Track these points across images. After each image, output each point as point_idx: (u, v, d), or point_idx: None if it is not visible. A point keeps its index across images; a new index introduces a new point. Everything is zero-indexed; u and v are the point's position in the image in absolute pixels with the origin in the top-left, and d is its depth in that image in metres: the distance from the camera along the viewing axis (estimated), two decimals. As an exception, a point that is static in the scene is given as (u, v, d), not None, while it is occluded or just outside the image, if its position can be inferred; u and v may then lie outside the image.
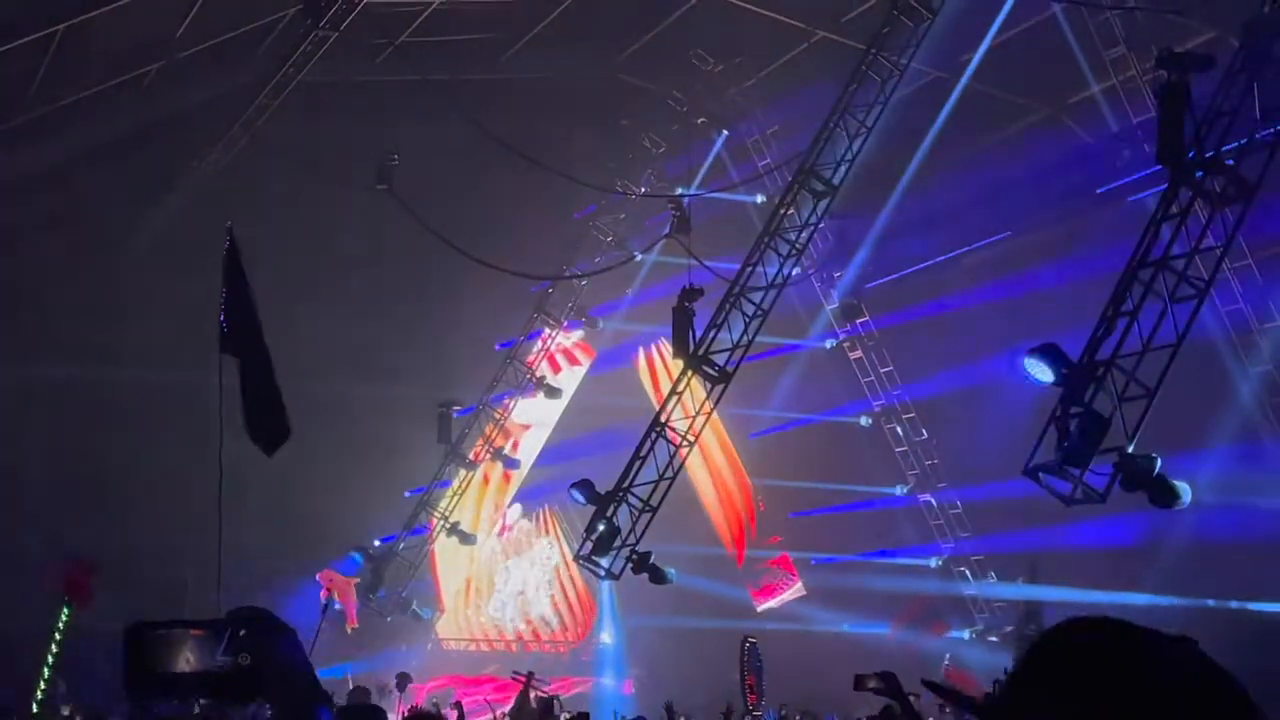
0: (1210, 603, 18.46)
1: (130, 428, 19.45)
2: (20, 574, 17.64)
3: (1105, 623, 1.73)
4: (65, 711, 14.47)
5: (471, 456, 27.83)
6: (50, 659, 15.72)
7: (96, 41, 18.64)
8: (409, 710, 15.22)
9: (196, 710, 12.62)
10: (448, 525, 27.71)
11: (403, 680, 19.55)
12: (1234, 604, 18.27)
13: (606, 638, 28.16)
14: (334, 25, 19.34)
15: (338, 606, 22.34)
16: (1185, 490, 14.04)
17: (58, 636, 15.80)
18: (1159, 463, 13.65)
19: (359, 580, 23.98)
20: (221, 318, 11.06)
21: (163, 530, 17.27)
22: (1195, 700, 1.63)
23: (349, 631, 23.00)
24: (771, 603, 25.89)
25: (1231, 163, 14.21)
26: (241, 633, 2.26)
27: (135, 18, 18.36)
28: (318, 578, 22.06)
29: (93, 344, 20.37)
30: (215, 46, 20.48)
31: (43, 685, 15.44)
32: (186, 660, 2.26)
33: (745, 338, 19.81)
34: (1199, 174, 14.27)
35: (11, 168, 20.43)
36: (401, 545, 27.43)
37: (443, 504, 27.78)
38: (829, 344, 25.87)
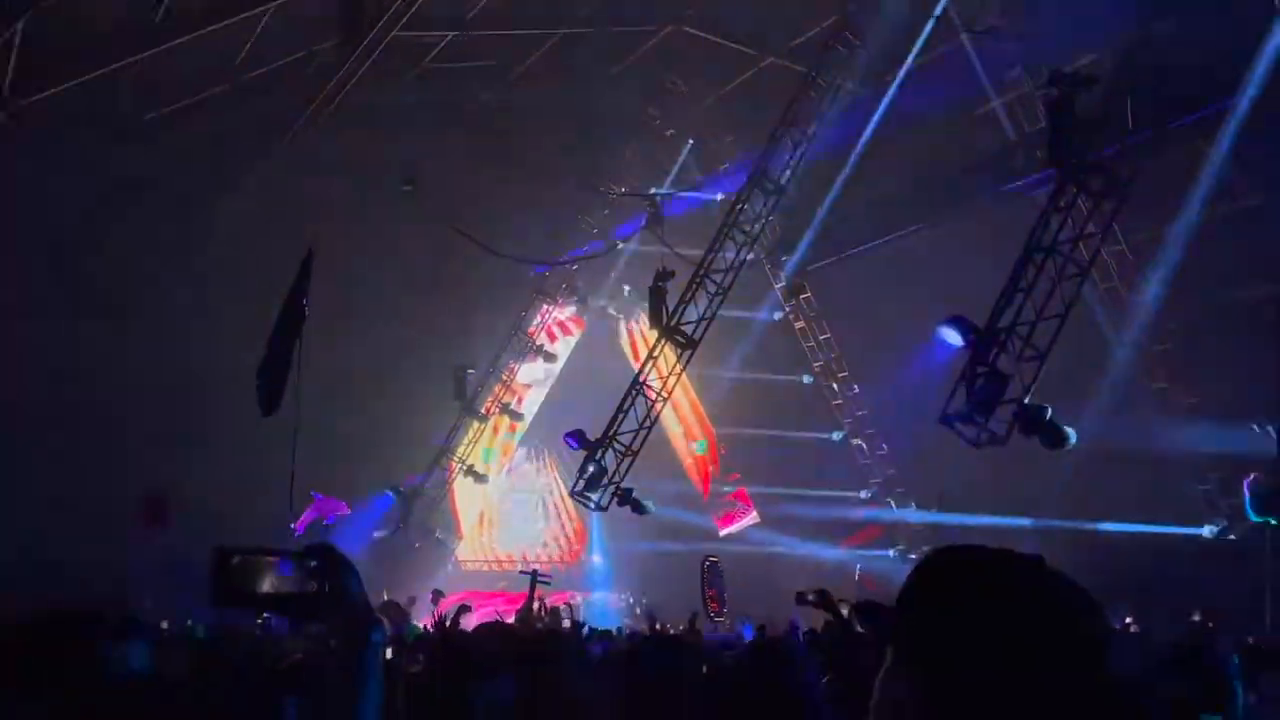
0: (1086, 525, 18.60)
1: (214, 389, 19.39)
2: (123, 508, 17.66)
3: (970, 548, 1.71)
4: (164, 625, 14.42)
5: (483, 410, 27.89)
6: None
7: (172, 68, 18.57)
8: (437, 617, 15.22)
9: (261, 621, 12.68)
10: (464, 467, 27.78)
11: (436, 595, 19.61)
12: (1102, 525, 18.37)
13: (596, 559, 28.29)
14: (366, 54, 19.32)
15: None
16: (1071, 434, 14.17)
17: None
18: (1049, 411, 13.77)
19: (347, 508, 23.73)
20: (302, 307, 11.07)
21: (240, 471, 17.19)
22: (1046, 605, 1.62)
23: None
24: (732, 528, 25.97)
25: (1108, 164, 14.34)
26: (312, 563, 2.28)
27: (205, 48, 18.33)
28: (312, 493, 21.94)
29: (182, 322, 20.35)
30: (268, 72, 20.44)
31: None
32: (265, 582, 2.27)
33: (709, 312, 19.88)
34: (1082, 174, 14.39)
35: (110, 168, 20.39)
36: (427, 485, 27.57)
37: (460, 450, 27.85)
38: (777, 316, 25.93)
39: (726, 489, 27.11)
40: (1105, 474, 17.77)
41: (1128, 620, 16.47)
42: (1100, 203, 14.25)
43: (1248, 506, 17.01)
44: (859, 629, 6.83)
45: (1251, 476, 16.62)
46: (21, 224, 19.87)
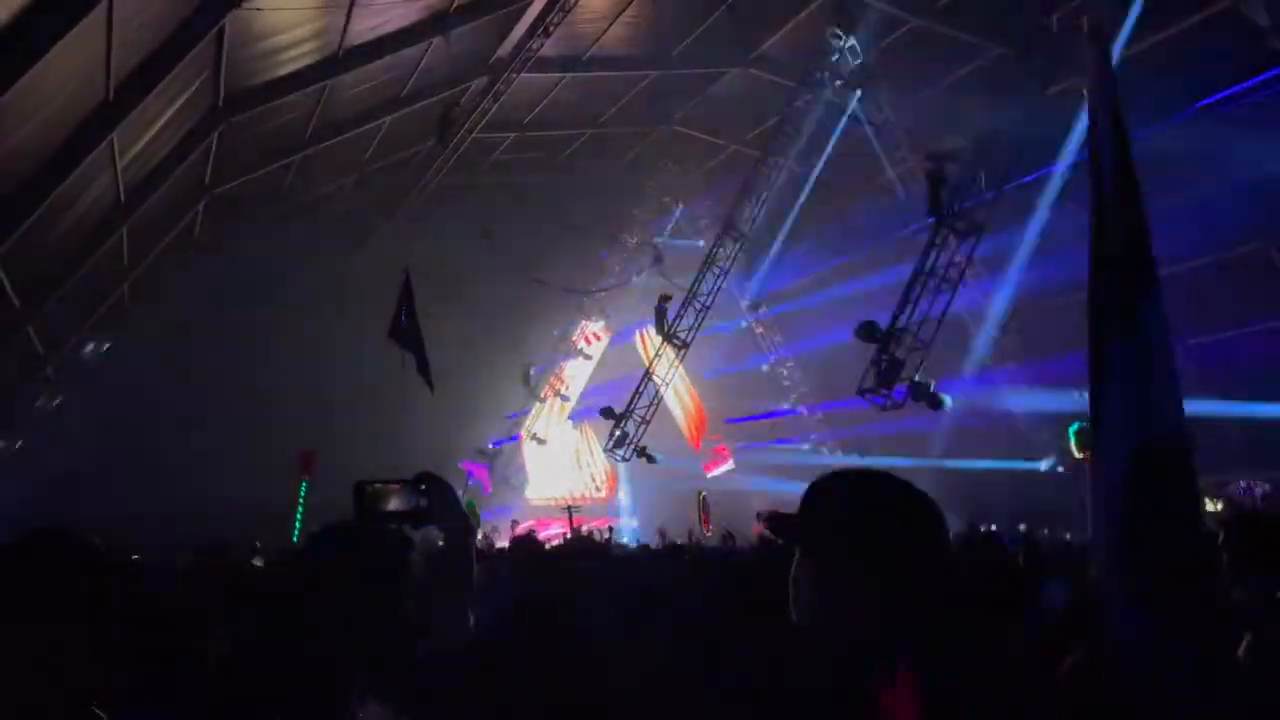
0: (961, 463, 18.62)
1: (352, 383, 19.53)
2: (275, 468, 17.76)
3: (843, 471, 1.73)
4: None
5: (542, 395, 28.05)
6: (298, 520, 15.89)
7: (323, 163, 18.79)
8: (514, 535, 15.28)
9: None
10: (531, 434, 27.97)
11: (514, 523, 19.85)
12: (974, 463, 18.41)
13: (623, 496, 28.34)
14: (454, 150, 19.51)
15: (475, 482, 22.51)
16: (948, 400, 14.28)
17: (300, 503, 15.94)
18: (933, 384, 13.88)
19: (491, 465, 23.96)
20: (402, 320, 11.28)
21: (366, 439, 17.27)
22: (895, 504, 1.62)
23: (485, 496, 23.01)
24: (715, 472, 26.02)
25: (969, 214, 14.41)
26: (422, 486, 2.32)
27: (343, 149, 18.54)
28: (461, 465, 22.08)
29: (329, 340, 20.51)
30: (390, 163, 20.64)
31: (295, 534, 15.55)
32: (391, 502, 2.28)
33: (697, 323, 20.02)
34: (952, 221, 14.47)
35: (276, 238, 20.57)
36: (505, 447, 27.76)
37: (527, 422, 28.03)
38: (744, 324, 25.99)
39: (711, 444, 27.18)
40: (973, 426, 17.84)
41: (992, 528, 16.50)
42: (963, 240, 14.36)
43: (1072, 446, 17.05)
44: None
45: (1075, 425, 16.67)
46: (218, 275, 20.16)
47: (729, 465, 26.03)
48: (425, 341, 13.31)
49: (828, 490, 1.69)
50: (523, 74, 17.30)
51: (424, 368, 11.04)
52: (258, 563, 9.01)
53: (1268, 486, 16.46)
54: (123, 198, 13.69)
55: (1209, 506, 16.17)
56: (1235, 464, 16.73)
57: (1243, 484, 16.73)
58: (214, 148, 15.19)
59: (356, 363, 18.97)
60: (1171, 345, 2.18)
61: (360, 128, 17.81)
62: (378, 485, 2.30)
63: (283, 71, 14.46)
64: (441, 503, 2.32)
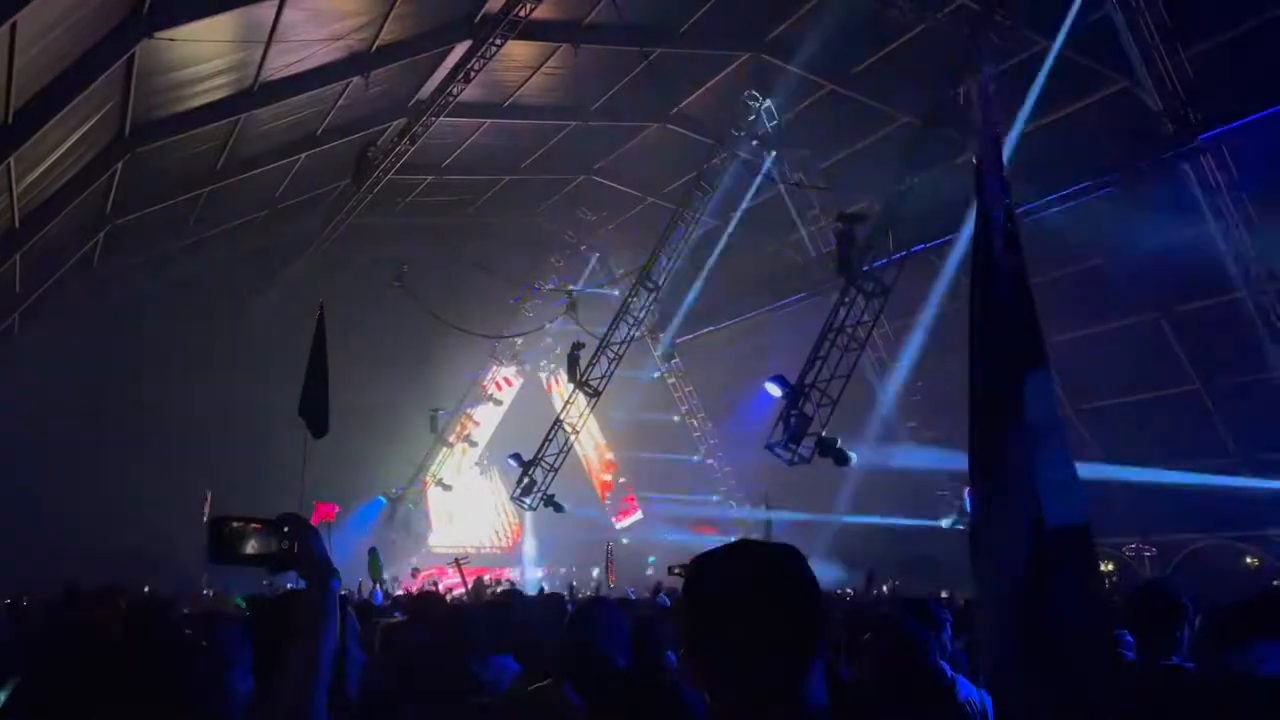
0: (864, 519, 18.82)
1: (256, 421, 19.01)
2: (169, 507, 17.15)
3: (724, 546, 1.67)
4: (208, 592, 14.03)
5: (450, 439, 27.68)
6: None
7: (230, 197, 18.38)
8: (416, 589, 14.85)
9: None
10: (436, 479, 27.51)
11: (415, 571, 19.41)
12: (877, 519, 18.59)
13: (528, 546, 28.01)
14: (369, 190, 19.29)
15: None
16: (854, 456, 14.46)
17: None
18: (839, 440, 14.04)
19: (339, 509, 23.08)
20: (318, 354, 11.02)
21: (268, 479, 16.75)
22: (773, 586, 1.57)
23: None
24: (624, 523, 25.97)
25: (877, 274, 14.71)
26: (285, 529, 2.16)
27: (254, 184, 18.19)
28: (313, 503, 21.31)
29: (234, 376, 19.98)
30: (299, 202, 20.30)
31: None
32: (250, 543, 2.14)
33: (609, 372, 20.03)
34: (860, 280, 14.75)
35: (179, 270, 20.11)
36: (409, 492, 27.20)
37: (432, 467, 27.59)
38: (656, 375, 26.07)
39: (620, 494, 27.14)
40: (877, 483, 18.07)
41: (895, 583, 16.64)
42: (871, 300, 14.63)
43: (968, 505, 17.38)
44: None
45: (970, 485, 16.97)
46: (119, 308, 19.55)
47: (638, 516, 25.96)
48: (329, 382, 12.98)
49: (699, 572, 1.64)
50: (442, 118, 17.24)
51: (319, 408, 10.68)
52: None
53: (1154, 550, 17.03)
54: (17, 224, 13.15)
55: (1100, 567, 16.65)
56: (1124, 527, 17.31)
57: (1133, 548, 17.30)
58: (117, 177, 14.73)
59: (259, 400, 18.46)
60: (1060, 424, 2.19)
61: (273, 164, 17.49)
62: (236, 524, 2.15)
63: (194, 104, 14.14)
64: (306, 547, 2.16)
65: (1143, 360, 16.09)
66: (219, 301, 20.90)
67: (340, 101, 16.24)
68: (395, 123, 18.05)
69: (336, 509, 22.51)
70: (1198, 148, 13.24)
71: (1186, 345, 15.71)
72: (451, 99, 16.62)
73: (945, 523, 18.98)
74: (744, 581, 1.57)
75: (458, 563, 14.47)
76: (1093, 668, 2.00)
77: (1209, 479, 14.97)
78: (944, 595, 15.53)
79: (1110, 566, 17.14)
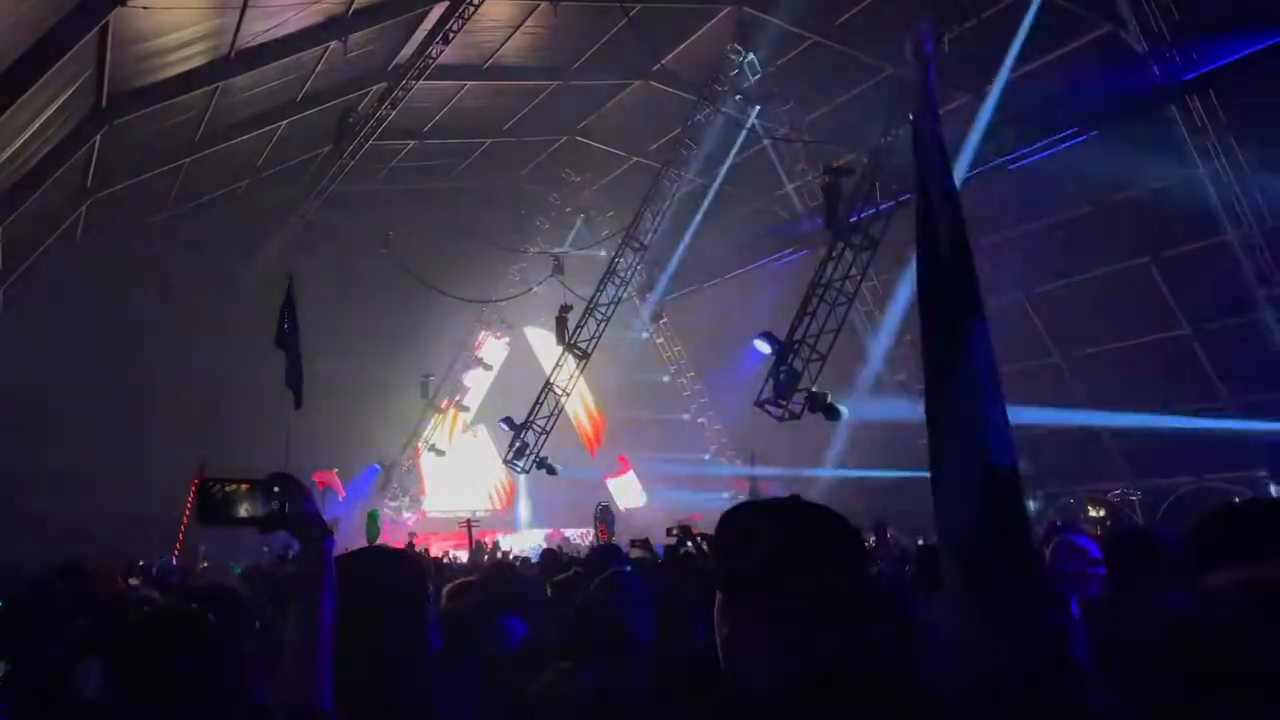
0: (855, 472, 18.84)
1: (239, 388, 18.94)
2: (161, 477, 17.14)
3: (743, 504, 1.67)
4: (204, 564, 14.01)
5: (441, 406, 27.64)
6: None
7: (211, 168, 18.18)
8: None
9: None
10: (429, 445, 27.52)
11: (412, 536, 19.48)
12: (868, 472, 18.63)
13: (522, 508, 28.08)
14: (351, 156, 19.08)
15: (330, 490, 21.88)
16: (844, 411, 14.48)
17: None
18: (829, 395, 14.06)
19: (336, 471, 23.08)
20: (285, 327, 10.97)
21: (256, 448, 16.75)
22: (796, 533, 1.55)
23: (340, 498, 22.25)
24: (615, 482, 26.01)
25: (864, 227, 14.66)
26: (275, 488, 2.12)
27: (235, 154, 17.98)
28: (312, 477, 21.25)
29: (217, 344, 19.85)
30: (281, 170, 20.09)
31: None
32: (240, 504, 2.10)
33: (597, 333, 19.99)
34: (847, 234, 14.70)
35: (163, 243, 19.92)
36: (403, 458, 27.22)
37: (425, 433, 27.58)
38: (645, 335, 26.06)
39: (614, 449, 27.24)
40: (868, 437, 18.14)
41: (890, 533, 16.74)
42: (859, 254, 14.60)
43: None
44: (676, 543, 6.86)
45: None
46: (103, 283, 19.40)
47: (629, 477, 26.03)
48: (316, 351, 12.91)
49: (745, 527, 1.61)
50: (422, 81, 17.02)
51: (296, 379, 10.65)
52: (134, 582, 8.60)
53: (1139, 494, 17.16)
54: (-5, 200, 13.01)
55: (1091, 512, 16.83)
56: (1114, 473, 17.45)
57: (1118, 494, 17.43)
58: (96, 150, 14.55)
59: (247, 370, 18.37)
60: (997, 373, 2.20)
61: (253, 132, 17.28)
62: (226, 485, 2.11)
63: (170, 73, 13.92)
64: (298, 507, 2.11)
65: (1132, 305, 16.11)
66: (204, 273, 20.73)
67: (319, 67, 16.01)
68: (375, 87, 17.83)
69: (335, 472, 22.57)
70: (1184, 90, 13.17)
71: (1175, 290, 15.72)
72: (430, 61, 16.39)
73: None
74: (803, 541, 1.55)
75: (468, 524, 14.54)
76: (1030, 620, 2.00)
77: (1197, 422, 15.07)
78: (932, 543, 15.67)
79: (1101, 512, 17.28)
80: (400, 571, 2.34)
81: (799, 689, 1.46)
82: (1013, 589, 1.89)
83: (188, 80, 14.23)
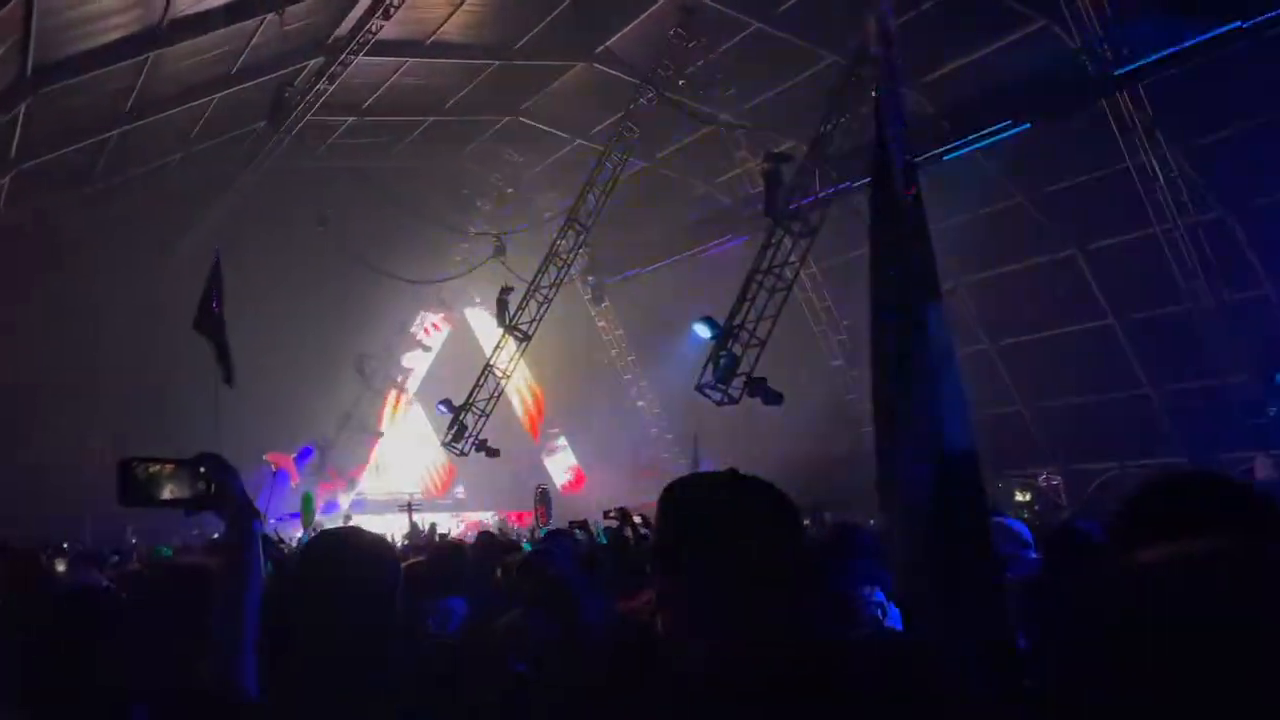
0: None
1: (170, 370, 18.51)
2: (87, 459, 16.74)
3: (683, 478, 1.67)
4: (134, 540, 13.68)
5: (378, 386, 27.38)
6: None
7: (142, 140, 17.71)
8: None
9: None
10: (365, 426, 27.27)
11: (348, 519, 19.30)
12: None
13: (460, 491, 27.93)
14: (288, 132, 18.71)
15: (283, 472, 21.56)
16: (782, 396, 14.63)
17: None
18: (767, 380, 14.20)
19: (294, 456, 22.86)
20: (213, 307, 10.79)
21: (186, 431, 16.38)
22: (744, 500, 1.57)
23: (293, 486, 21.94)
24: (557, 466, 26.01)
25: (804, 214, 14.79)
26: (201, 469, 2.06)
27: (167, 127, 17.54)
28: (265, 457, 20.96)
29: (143, 322, 19.38)
30: (215, 145, 19.63)
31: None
32: (164, 485, 2.04)
33: (538, 315, 19.92)
34: (787, 221, 14.82)
35: (91, 217, 19.36)
36: (339, 439, 26.86)
37: (361, 414, 27.31)
38: (587, 317, 25.95)
39: (553, 431, 27.23)
40: (806, 420, 18.31)
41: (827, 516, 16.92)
42: (798, 240, 14.74)
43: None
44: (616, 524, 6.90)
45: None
46: (27, 258, 18.81)
47: (569, 459, 26.03)
48: (250, 330, 12.71)
49: (684, 500, 1.61)
50: (361, 57, 16.73)
51: (225, 360, 10.43)
52: (60, 567, 8.38)
53: (1060, 479, 17.63)
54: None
55: (1018, 497, 17.24)
56: (1041, 459, 17.88)
57: (1044, 478, 17.89)
58: (21, 120, 14.08)
59: (177, 349, 17.96)
60: (954, 358, 2.24)
61: (186, 105, 16.86)
62: (149, 465, 2.05)
63: (99, 42, 13.52)
64: (225, 488, 2.06)
65: (1060, 296, 16.48)
66: (134, 248, 20.19)
67: (255, 39, 15.64)
68: (313, 62, 17.47)
69: (291, 457, 22.25)
70: (1115, 84, 13.47)
71: (1102, 280, 16.13)
72: (371, 37, 16.11)
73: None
74: (744, 511, 1.55)
75: (409, 506, 14.47)
76: (988, 589, 2.04)
77: (1121, 410, 15.50)
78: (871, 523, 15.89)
79: (1028, 497, 17.71)
80: (379, 556, 2.29)
81: (734, 658, 1.47)
82: (969, 572, 1.93)
83: (118, 50, 13.84)
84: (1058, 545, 3.75)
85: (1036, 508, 16.39)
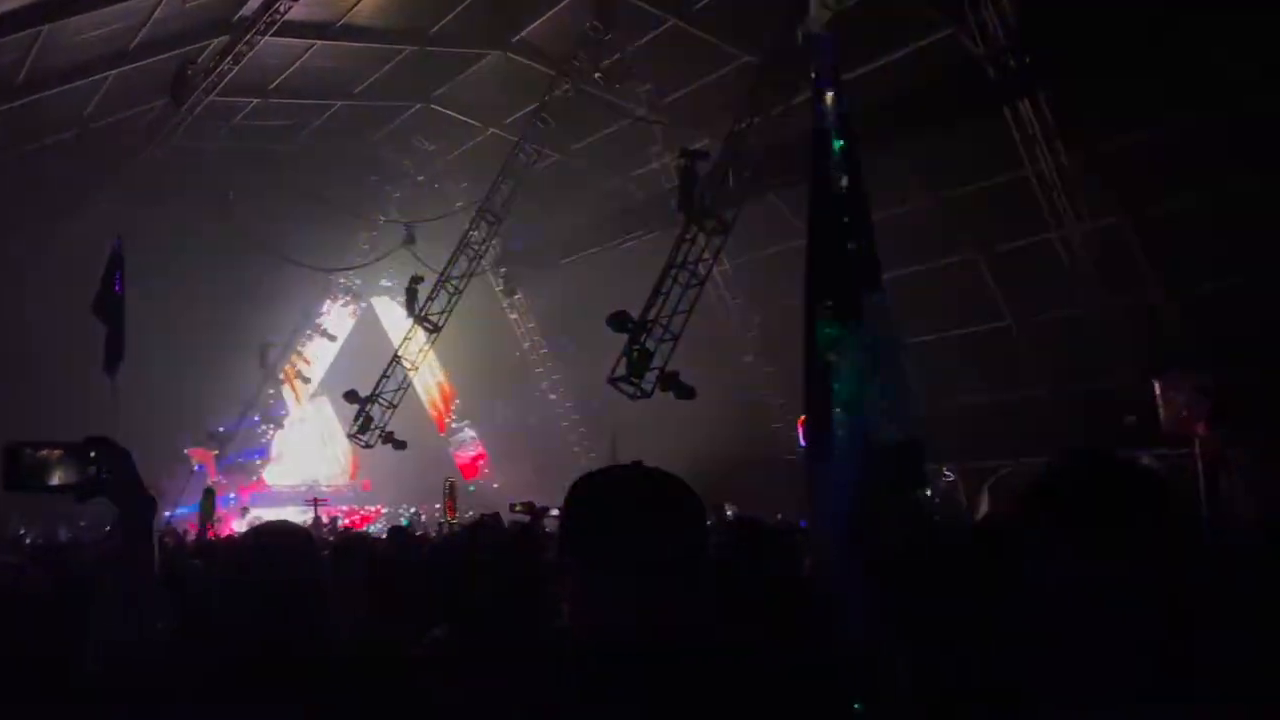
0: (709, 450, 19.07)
1: (55, 357, 17.75)
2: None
3: (590, 472, 1.70)
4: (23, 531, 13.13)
5: (281, 377, 26.77)
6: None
7: (35, 117, 16.96)
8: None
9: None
10: (267, 417, 26.64)
11: (245, 510, 18.83)
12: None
13: (367, 483, 27.49)
14: (189, 112, 18.12)
15: (203, 468, 21.02)
16: (694, 391, 14.73)
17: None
18: (680, 375, 14.29)
19: (216, 452, 22.42)
20: (115, 290, 10.42)
21: (79, 420, 15.69)
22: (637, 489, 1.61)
23: (210, 483, 21.36)
24: (466, 457, 25.79)
25: (717, 212, 14.91)
26: (92, 454, 2.02)
27: (61, 102, 16.86)
28: (186, 452, 20.45)
29: (31, 307, 18.58)
30: (113, 122, 18.91)
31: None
32: (53, 469, 1.99)
33: (449, 306, 19.70)
34: (701, 217, 14.91)
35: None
36: (239, 431, 26.16)
37: (263, 405, 26.69)
38: (499, 309, 25.71)
39: (461, 423, 26.98)
40: (718, 416, 18.45)
41: (731, 511, 17.09)
42: (712, 237, 14.85)
43: (801, 436, 17.99)
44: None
45: (803, 417, 17.58)
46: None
47: (479, 451, 25.83)
48: (149, 316, 12.26)
49: (588, 492, 1.65)
50: (268, 37, 16.28)
51: (116, 345, 10.05)
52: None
53: (953, 475, 18.17)
54: None
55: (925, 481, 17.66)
56: (940, 455, 18.33)
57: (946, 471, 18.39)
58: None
59: (71, 334, 17.23)
60: (898, 342, 2.27)
61: (82, 80, 16.22)
62: (37, 450, 2.00)
63: (-12, 11, 12.91)
64: (116, 474, 2.01)
65: (963, 298, 16.94)
66: (23, 228, 19.30)
67: (156, 14, 15.12)
68: (217, 40, 16.96)
69: (215, 453, 21.64)
70: (1017, 93, 13.89)
71: (1001, 284, 16.62)
72: (278, 17, 15.70)
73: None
74: (633, 501, 1.58)
75: (315, 501, 14.20)
76: (918, 576, 2.08)
77: (1017, 409, 16.00)
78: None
79: (928, 492, 18.16)
80: (308, 551, 2.25)
81: (633, 645, 1.49)
82: (900, 559, 1.97)
83: (11, 20, 13.26)
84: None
85: (937, 501, 16.83)
